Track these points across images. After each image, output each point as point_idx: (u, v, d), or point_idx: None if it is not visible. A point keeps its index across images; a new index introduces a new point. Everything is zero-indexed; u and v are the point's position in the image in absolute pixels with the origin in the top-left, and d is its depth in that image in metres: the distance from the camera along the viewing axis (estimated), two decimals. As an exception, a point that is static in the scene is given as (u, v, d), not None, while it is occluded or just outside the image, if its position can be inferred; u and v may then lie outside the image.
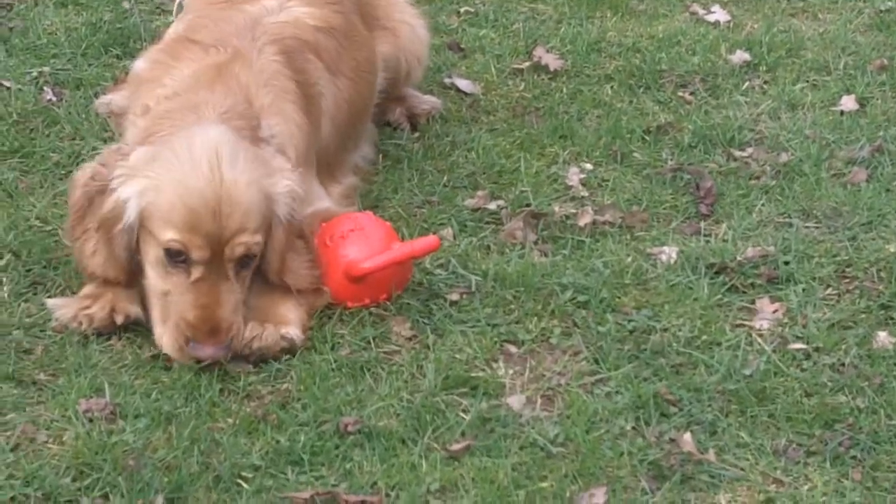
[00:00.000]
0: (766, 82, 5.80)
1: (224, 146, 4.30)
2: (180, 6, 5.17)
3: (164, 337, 4.35)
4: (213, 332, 4.27)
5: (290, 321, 4.48)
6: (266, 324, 4.42)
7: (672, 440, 4.38)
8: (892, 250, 4.99)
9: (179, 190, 4.23)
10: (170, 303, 4.31)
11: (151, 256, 4.29)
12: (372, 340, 4.72)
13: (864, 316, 4.85)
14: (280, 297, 4.55)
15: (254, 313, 4.49)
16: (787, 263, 5.00)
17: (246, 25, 4.80)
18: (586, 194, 5.25)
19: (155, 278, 4.33)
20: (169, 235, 4.20)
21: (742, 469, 4.36)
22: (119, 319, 4.40)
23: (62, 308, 4.46)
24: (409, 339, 4.71)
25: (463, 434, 4.41)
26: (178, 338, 4.31)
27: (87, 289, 4.49)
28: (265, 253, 4.43)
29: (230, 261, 4.28)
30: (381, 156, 5.53)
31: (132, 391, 4.51)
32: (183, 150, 4.31)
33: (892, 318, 4.84)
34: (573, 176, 5.27)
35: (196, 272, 4.25)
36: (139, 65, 4.90)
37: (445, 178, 5.38)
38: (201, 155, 4.25)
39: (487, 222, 5.20)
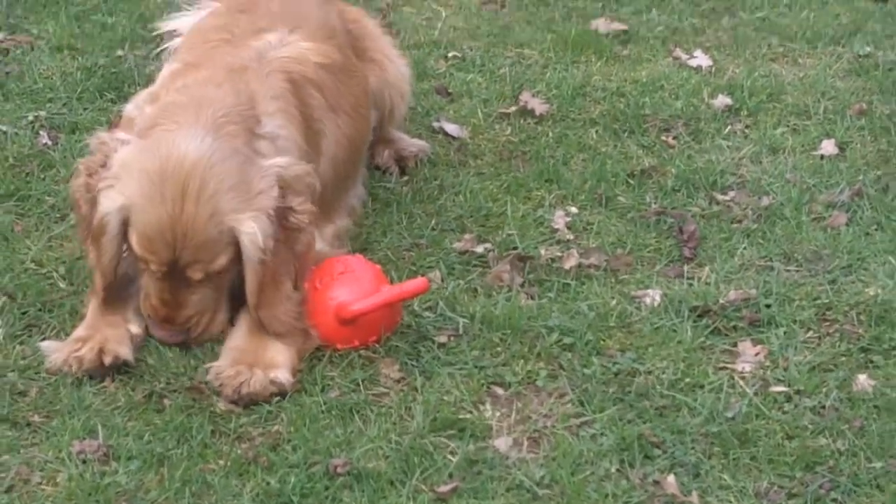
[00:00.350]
0: (747, 126, 5.84)
1: (196, 174, 4.33)
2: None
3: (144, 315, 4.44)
4: (167, 321, 4.44)
5: (279, 364, 4.49)
6: (255, 368, 4.44)
7: (656, 482, 4.38)
8: (871, 293, 5.01)
9: (144, 216, 4.34)
10: (145, 292, 4.52)
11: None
12: (361, 382, 4.70)
13: (844, 359, 4.85)
14: (269, 340, 4.56)
15: (243, 356, 4.51)
16: (768, 306, 5.00)
17: (252, 57, 4.83)
18: (571, 237, 5.27)
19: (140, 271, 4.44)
20: (136, 247, 4.37)
21: (725, 512, 4.12)
22: (107, 361, 4.44)
23: (55, 351, 4.50)
24: (398, 381, 4.71)
25: (450, 476, 4.40)
26: (149, 322, 4.54)
27: (79, 331, 4.54)
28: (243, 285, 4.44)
29: (196, 280, 4.42)
30: (370, 199, 5.53)
31: (125, 433, 4.51)
32: (157, 170, 4.38)
33: (872, 362, 4.85)
34: (559, 219, 5.29)
35: (159, 275, 4.39)
36: (129, 108, 4.94)
37: (433, 221, 5.39)
38: (172, 181, 4.32)
39: (475, 265, 5.22)
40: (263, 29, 4.99)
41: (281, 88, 4.71)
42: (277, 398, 4.51)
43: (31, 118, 5.82)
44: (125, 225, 4.38)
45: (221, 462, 4.44)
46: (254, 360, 4.48)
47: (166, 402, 4.63)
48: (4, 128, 5.77)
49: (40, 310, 5.01)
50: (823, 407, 4.67)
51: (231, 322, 4.73)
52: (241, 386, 4.39)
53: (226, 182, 4.37)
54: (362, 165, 5.28)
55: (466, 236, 5.26)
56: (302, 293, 4.62)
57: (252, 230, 4.36)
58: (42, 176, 5.71)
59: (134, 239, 4.36)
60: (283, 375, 4.46)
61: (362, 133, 5.17)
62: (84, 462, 4.40)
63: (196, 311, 4.47)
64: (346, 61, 5.13)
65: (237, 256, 4.41)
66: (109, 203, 4.38)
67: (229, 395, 4.40)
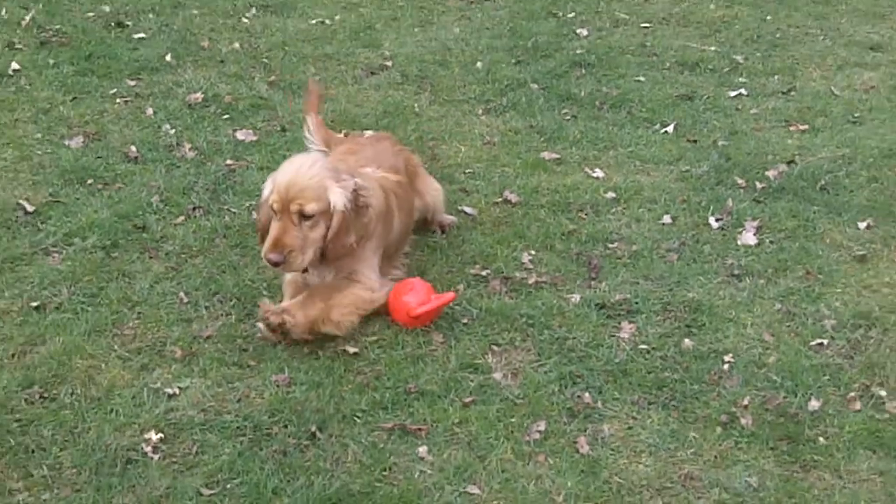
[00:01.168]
0: (623, 208, 5.87)
1: (309, 159, 4.62)
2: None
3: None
4: (275, 244, 4.47)
5: (295, 316, 4.62)
6: (283, 313, 4.59)
7: (579, 396, 4.52)
8: (691, 296, 5.12)
9: (279, 176, 4.56)
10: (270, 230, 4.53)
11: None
12: (422, 344, 4.75)
13: (677, 330, 4.94)
14: (299, 306, 4.65)
15: (282, 307, 4.63)
16: (636, 303, 5.09)
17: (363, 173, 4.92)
18: (531, 267, 5.34)
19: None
20: (269, 196, 4.54)
21: (615, 411, 4.48)
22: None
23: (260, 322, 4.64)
24: (442, 343, 4.76)
25: (470, 393, 4.47)
26: (263, 251, 4.57)
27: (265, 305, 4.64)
28: (327, 232, 4.56)
29: (294, 213, 4.46)
30: (425, 247, 5.52)
31: (298, 370, 4.59)
32: (293, 160, 4.66)
33: (692, 332, 4.89)
34: (525, 257, 5.41)
35: (277, 217, 4.49)
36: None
37: (459, 258, 5.43)
38: (297, 162, 4.61)
39: (481, 282, 5.24)
40: (363, 165, 5.05)
41: (377, 186, 4.83)
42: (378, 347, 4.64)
43: (247, 205, 5.66)
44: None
45: (350, 385, 4.56)
46: (286, 308, 4.59)
47: (321, 353, 4.66)
48: (228, 218, 5.66)
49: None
50: (666, 357, 4.78)
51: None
52: (269, 316, 4.54)
53: (328, 167, 4.63)
54: (407, 240, 5.32)
55: (477, 265, 5.34)
56: (360, 246, 4.72)
57: (338, 192, 4.54)
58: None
59: (269, 194, 4.55)
60: (291, 320, 4.57)
61: (408, 225, 5.16)
62: (278, 386, 4.51)
63: (291, 244, 4.46)
64: (406, 188, 5.15)
65: (323, 214, 4.53)
66: (266, 184, 4.66)
67: (261, 317, 4.60)
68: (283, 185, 4.41)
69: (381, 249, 4.80)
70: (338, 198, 4.47)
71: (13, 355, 4.57)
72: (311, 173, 4.46)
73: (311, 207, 4.42)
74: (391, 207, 4.82)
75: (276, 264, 4.43)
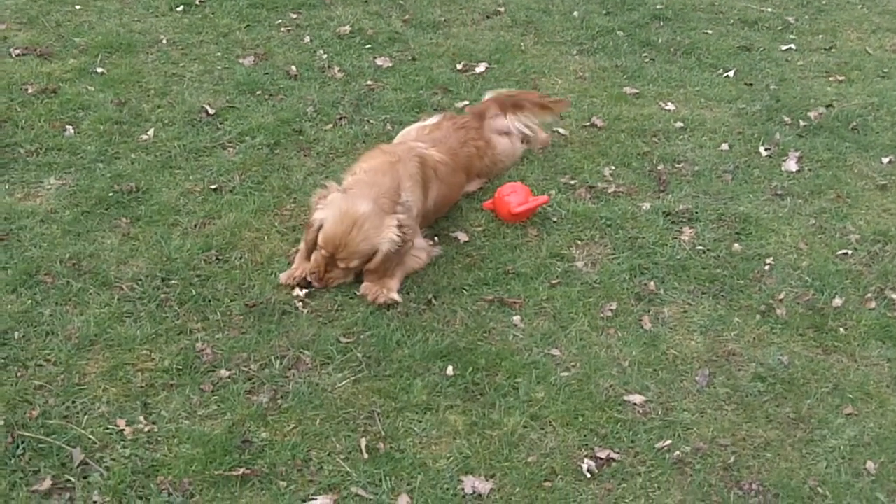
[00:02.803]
0: (689, 136, 5.80)
1: (361, 215, 4.07)
2: None
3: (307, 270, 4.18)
4: (319, 280, 4.18)
5: (392, 289, 4.22)
6: (381, 289, 4.21)
7: (645, 284, 4.50)
8: (741, 209, 5.00)
9: (329, 228, 4.10)
10: (314, 258, 4.18)
11: None
12: (520, 235, 4.78)
13: (727, 234, 4.82)
14: (386, 277, 4.23)
15: (374, 284, 4.23)
16: (696, 212, 5.01)
17: (406, 149, 4.59)
18: (611, 179, 5.32)
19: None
20: (320, 241, 4.14)
21: (673, 298, 4.46)
22: (307, 277, 4.25)
23: (284, 274, 4.32)
24: (536, 235, 4.78)
25: (556, 277, 4.51)
26: (310, 273, 4.18)
27: (294, 266, 4.30)
28: (370, 264, 4.18)
29: (340, 267, 4.17)
30: (525, 160, 5.47)
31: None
32: (344, 207, 4.09)
33: (740, 238, 4.81)
34: (607, 171, 5.32)
35: (321, 259, 4.16)
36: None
37: (552, 169, 5.42)
38: (348, 214, 4.06)
39: (570, 189, 5.23)
40: (420, 146, 4.68)
41: (414, 169, 4.41)
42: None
43: (382, 118, 5.66)
44: (320, 228, 4.14)
45: (459, 265, 4.56)
46: (381, 285, 4.21)
47: (437, 238, 4.66)
48: (367, 128, 5.65)
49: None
50: (718, 257, 4.75)
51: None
52: (377, 298, 4.15)
53: (376, 221, 4.13)
54: (448, 209, 4.88)
55: (567, 176, 5.31)
56: (399, 275, 4.30)
57: (385, 242, 4.14)
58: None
59: (321, 237, 4.09)
60: (396, 296, 4.19)
61: (451, 196, 4.81)
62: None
63: (333, 278, 4.17)
64: (455, 167, 4.78)
65: (365, 262, 4.16)
66: (319, 214, 4.16)
67: (370, 300, 4.16)
68: (332, 243, 4.06)
69: (419, 217, 4.42)
70: (384, 244, 4.09)
71: (195, 225, 4.67)
72: (359, 237, 4.05)
73: (354, 263, 4.12)
74: (427, 177, 4.47)
75: (309, 285, 4.16)
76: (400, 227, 4.06)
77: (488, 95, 5.43)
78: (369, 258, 4.06)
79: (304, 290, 4.13)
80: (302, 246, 4.20)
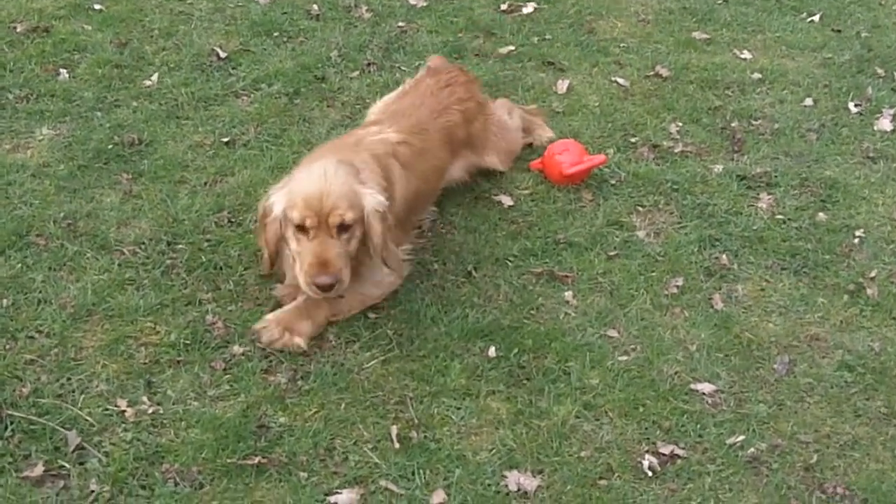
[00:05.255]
0: (768, 89, 5.79)
1: (331, 166, 3.65)
2: None
3: (300, 278, 3.65)
4: (324, 265, 3.58)
5: (302, 334, 3.82)
6: (286, 332, 3.81)
7: (716, 257, 4.51)
8: (828, 174, 5.01)
9: (303, 189, 3.62)
10: (301, 257, 3.65)
11: (290, 233, 3.67)
12: (572, 200, 4.80)
13: (812, 203, 4.87)
14: (303, 315, 3.84)
15: (283, 317, 3.83)
16: (775, 177, 4.99)
17: (351, 142, 4.12)
18: (678, 137, 5.32)
19: (293, 245, 3.68)
20: (296, 214, 3.60)
21: (749, 274, 4.46)
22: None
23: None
24: (591, 200, 4.78)
25: (614, 248, 4.51)
26: (307, 276, 3.61)
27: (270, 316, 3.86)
28: (367, 237, 3.76)
29: (332, 227, 3.60)
30: (579, 112, 5.49)
31: (456, 215, 4.59)
32: (308, 171, 3.70)
33: (825, 207, 4.85)
34: (673, 128, 5.37)
35: (312, 235, 3.61)
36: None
37: (610, 125, 5.44)
38: (318, 170, 3.65)
39: (630, 148, 5.25)
40: (377, 123, 4.32)
41: (366, 160, 3.92)
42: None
43: (416, 64, 5.57)
44: (283, 210, 3.69)
45: (503, 232, 4.58)
46: (288, 325, 3.76)
47: (478, 202, 4.70)
48: (398, 76, 5.60)
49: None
50: (800, 228, 4.72)
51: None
52: (273, 342, 3.74)
53: (350, 171, 3.73)
54: (427, 206, 4.45)
55: (626, 133, 5.28)
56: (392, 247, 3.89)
57: (369, 195, 3.70)
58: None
59: (294, 213, 3.62)
60: (303, 343, 3.75)
61: (424, 191, 4.30)
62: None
63: (339, 263, 3.62)
64: (426, 146, 4.28)
65: (358, 222, 3.70)
66: (276, 197, 3.73)
67: (262, 342, 3.76)
68: (316, 197, 3.57)
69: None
70: (370, 200, 3.67)
71: (205, 183, 4.68)
72: (340, 180, 3.63)
73: (350, 216, 3.60)
74: (389, 171, 4.01)
75: (328, 288, 3.60)
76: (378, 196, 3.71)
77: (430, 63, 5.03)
78: (360, 222, 3.67)
79: (328, 293, 3.68)
80: (265, 255, 3.82)
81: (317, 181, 3.58)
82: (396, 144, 4.06)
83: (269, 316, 3.76)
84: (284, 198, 3.64)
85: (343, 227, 3.59)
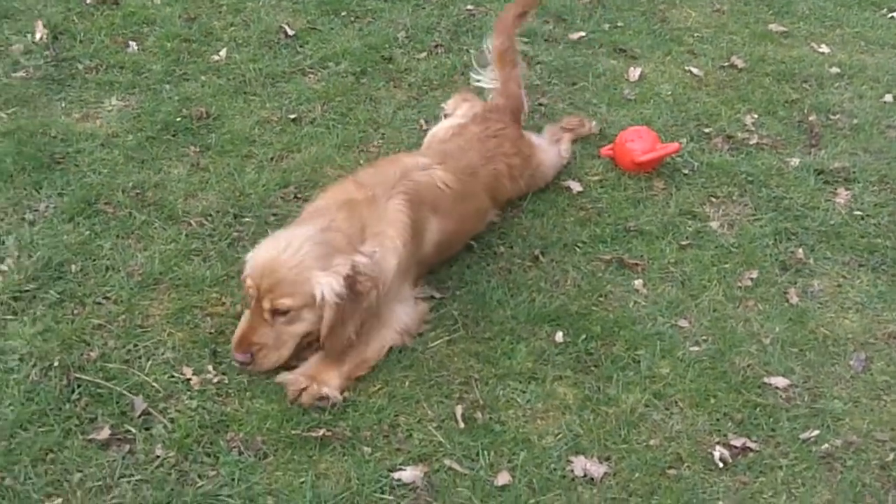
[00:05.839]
0: (847, 84, 5.74)
1: (298, 240, 3.43)
2: None
3: None
4: (239, 343, 3.44)
5: (330, 383, 3.53)
6: (313, 382, 3.51)
7: (792, 251, 4.45)
8: None
9: (257, 259, 3.44)
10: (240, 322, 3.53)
11: None
12: (644, 188, 4.77)
13: (892, 201, 4.81)
14: (331, 367, 3.57)
15: (309, 370, 3.58)
16: (854, 172, 4.92)
17: (395, 176, 3.84)
18: (754, 129, 5.30)
19: None
20: (246, 281, 3.47)
21: (825, 269, 4.42)
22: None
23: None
24: (663, 189, 4.76)
25: (687, 237, 4.49)
26: (233, 344, 3.52)
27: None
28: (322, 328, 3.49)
29: (266, 309, 3.42)
30: (652, 100, 5.48)
31: (523, 199, 4.50)
32: (278, 237, 3.49)
33: None
34: (748, 120, 5.34)
35: (251, 306, 3.47)
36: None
37: (683, 114, 5.41)
38: (282, 240, 3.45)
39: (704, 138, 5.21)
40: (418, 167, 4.00)
41: (395, 210, 3.73)
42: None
43: (485, 46, 5.25)
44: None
45: (572, 218, 4.57)
46: (314, 375, 3.54)
47: (549, 189, 4.69)
48: (466, 58, 5.63)
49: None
50: (879, 224, 4.67)
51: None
52: (301, 394, 3.50)
53: (318, 250, 3.45)
54: (458, 248, 4.21)
55: (700, 122, 5.23)
56: (363, 337, 3.64)
57: (324, 283, 3.41)
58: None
59: (246, 280, 3.48)
60: (332, 392, 3.51)
61: (460, 233, 4.11)
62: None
63: (259, 342, 3.44)
64: (466, 191, 4.09)
65: (304, 308, 3.48)
66: (248, 256, 3.54)
67: (291, 397, 3.51)
68: (258, 271, 3.39)
69: (412, 273, 3.86)
70: (326, 290, 3.38)
71: (272, 158, 4.73)
72: (293, 261, 3.38)
73: (284, 303, 3.38)
74: (421, 218, 3.81)
75: (242, 364, 3.45)
76: (354, 272, 3.44)
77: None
78: (311, 305, 3.44)
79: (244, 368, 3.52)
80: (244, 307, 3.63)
81: (271, 254, 3.41)
82: (441, 188, 3.94)
83: (290, 374, 3.55)
84: (249, 259, 3.51)
85: (276, 312, 3.41)
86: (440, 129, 4.52)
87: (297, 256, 3.37)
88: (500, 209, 4.40)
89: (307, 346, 3.60)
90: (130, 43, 5.44)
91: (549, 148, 4.71)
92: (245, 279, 3.44)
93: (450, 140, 4.34)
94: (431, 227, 3.83)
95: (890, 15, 6.52)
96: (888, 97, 5.61)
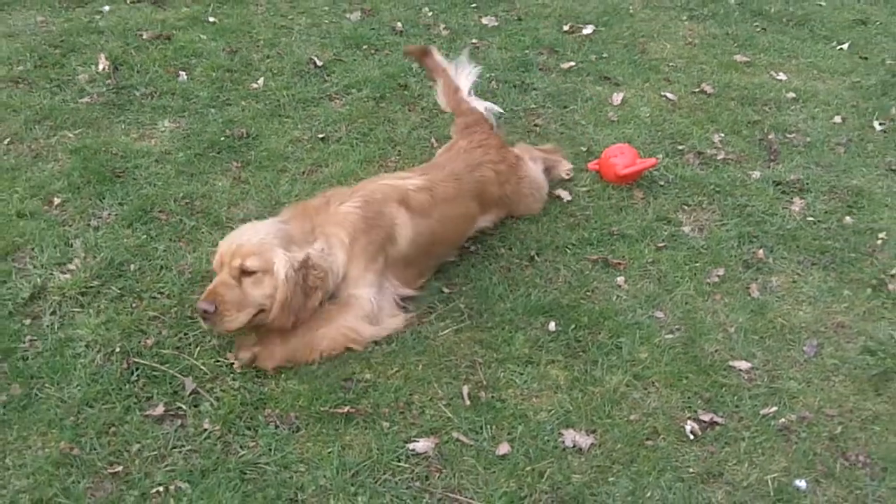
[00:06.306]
0: (801, 107, 5.73)
1: (260, 226, 3.46)
2: None
3: None
4: (205, 296, 3.34)
5: (268, 356, 3.48)
6: (256, 348, 3.48)
7: (754, 252, 4.44)
8: (854, 182, 4.95)
9: (226, 239, 3.43)
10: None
11: None
12: (625, 197, 4.76)
13: (840, 208, 4.80)
14: (274, 340, 3.51)
15: (258, 339, 3.50)
16: (806, 184, 4.91)
17: (357, 186, 3.82)
18: (720, 146, 5.28)
19: None
20: (214, 260, 3.44)
21: (783, 267, 4.43)
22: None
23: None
24: (642, 198, 4.74)
25: (663, 240, 4.48)
26: (201, 299, 3.38)
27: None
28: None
29: (232, 269, 3.35)
30: (631, 121, 5.37)
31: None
32: (241, 227, 3.51)
33: (853, 211, 4.77)
34: (716, 138, 5.24)
35: (218, 273, 3.41)
36: None
37: (660, 133, 5.40)
38: (246, 227, 3.48)
39: (677, 154, 5.18)
40: (408, 176, 3.93)
41: (347, 212, 3.64)
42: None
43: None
44: None
45: (563, 223, 4.53)
46: (261, 343, 3.50)
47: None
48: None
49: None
50: (829, 228, 4.67)
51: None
52: (240, 352, 3.51)
53: (278, 233, 3.46)
54: (447, 251, 4.11)
55: (674, 141, 5.21)
56: (313, 324, 3.54)
57: (282, 258, 3.38)
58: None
59: (214, 256, 3.45)
60: (265, 364, 3.49)
61: (441, 235, 3.95)
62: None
63: (224, 296, 3.34)
64: (452, 194, 3.98)
65: (266, 274, 3.40)
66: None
67: (234, 353, 3.53)
68: (226, 245, 3.37)
69: (379, 263, 3.64)
70: (284, 264, 3.34)
71: (303, 172, 4.74)
72: (257, 237, 3.37)
73: (251, 262, 3.31)
74: (389, 214, 3.69)
75: (205, 314, 3.30)
76: (308, 262, 3.39)
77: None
78: (271, 274, 3.36)
79: (207, 322, 3.39)
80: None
81: (239, 231, 3.41)
82: (413, 191, 3.76)
83: (245, 337, 3.49)
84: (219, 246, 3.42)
85: (244, 272, 3.33)
86: (442, 151, 4.42)
87: (260, 234, 3.36)
88: (494, 219, 4.30)
89: (257, 327, 3.47)
90: (181, 73, 5.46)
91: (536, 163, 4.58)
92: (214, 258, 3.37)
93: (441, 155, 4.27)
94: (402, 223, 3.69)
95: (839, 47, 6.52)
96: (837, 118, 5.60)
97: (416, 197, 3.74)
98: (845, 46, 6.56)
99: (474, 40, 6.15)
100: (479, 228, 4.22)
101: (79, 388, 3.39)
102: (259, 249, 3.32)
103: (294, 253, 3.37)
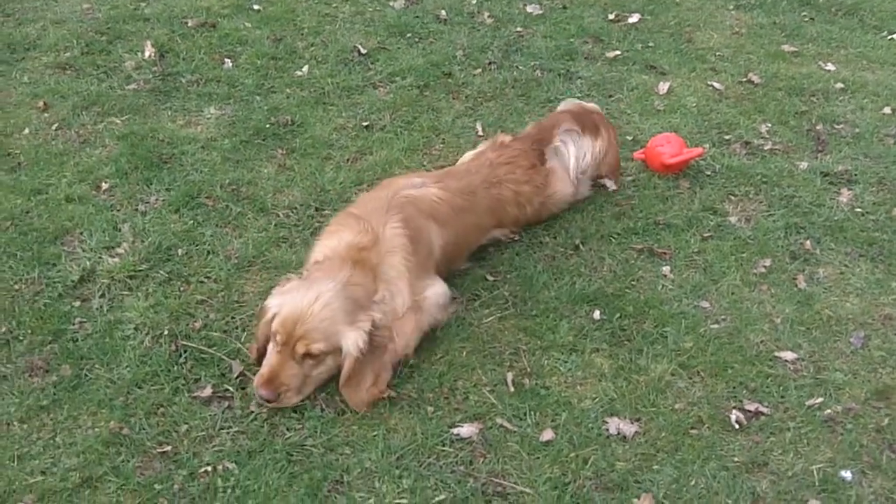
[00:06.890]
0: (850, 97, 5.66)
1: (326, 294, 3.29)
2: None
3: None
4: (269, 381, 3.27)
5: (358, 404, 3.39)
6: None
7: (801, 243, 4.44)
8: None
9: (289, 306, 3.28)
10: (263, 361, 3.37)
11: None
12: (671, 187, 4.78)
13: (889, 200, 4.74)
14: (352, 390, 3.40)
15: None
16: (855, 175, 4.90)
17: (386, 198, 3.72)
18: (767, 136, 5.25)
19: (269, 347, 3.36)
20: (274, 326, 3.30)
21: (830, 259, 4.38)
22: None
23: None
24: (688, 188, 4.74)
25: (709, 230, 4.47)
26: (255, 381, 3.35)
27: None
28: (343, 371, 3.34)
29: (297, 353, 3.27)
30: (678, 111, 5.38)
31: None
32: (306, 289, 3.32)
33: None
34: (763, 128, 5.29)
35: (278, 348, 3.30)
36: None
37: (706, 122, 5.39)
38: (312, 293, 3.29)
39: (724, 144, 5.16)
40: (425, 183, 3.90)
41: (392, 235, 3.60)
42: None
43: (532, 64, 5.45)
44: (273, 317, 3.32)
45: (608, 213, 4.56)
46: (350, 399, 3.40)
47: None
48: (516, 73, 5.68)
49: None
50: (878, 220, 4.61)
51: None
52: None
53: (345, 304, 3.33)
54: (466, 253, 4.08)
55: (721, 130, 5.15)
56: (379, 385, 3.43)
57: (351, 338, 3.30)
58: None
59: (274, 324, 3.29)
60: (266, 395, 3.34)
61: (461, 241, 3.96)
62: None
63: (287, 383, 3.29)
64: (467, 206, 3.96)
65: (330, 354, 3.34)
66: (273, 300, 3.39)
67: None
68: (290, 320, 3.23)
69: (431, 271, 3.74)
70: (351, 344, 3.27)
71: (347, 160, 4.80)
72: (323, 314, 3.25)
73: (317, 347, 3.25)
74: (426, 228, 3.73)
75: (266, 401, 3.27)
76: (374, 327, 3.32)
77: (563, 106, 4.68)
78: (335, 353, 3.31)
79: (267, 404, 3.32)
80: (254, 347, 3.45)
81: (304, 303, 3.24)
82: (436, 203, 3.78)
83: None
84: (276, 307, 3.31)
85: (308, 356, 3.26)
86: (467, 156, 4.37)
87: (327, 310, 3.24)
88: (515, 228, 4.23)
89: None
90: (226, 60, 5.53)
91: (567, 179, 4.40)
92: (273, 324, 3.27)
93: (467, 164, 4.17)
94: (434, 232, 3.72)
95: (889, 37, 6.45)
96: (887, 109, 5.55)
97: (440, 209, 3.76)
98: (895, 36, 6.45)
99: (519, 28, 6.18)
100: (495, 238, 4.17)
101: (128, 369, 3.47)
102: (326, 334, 3.25)
103: (361, 324, 3.30)
